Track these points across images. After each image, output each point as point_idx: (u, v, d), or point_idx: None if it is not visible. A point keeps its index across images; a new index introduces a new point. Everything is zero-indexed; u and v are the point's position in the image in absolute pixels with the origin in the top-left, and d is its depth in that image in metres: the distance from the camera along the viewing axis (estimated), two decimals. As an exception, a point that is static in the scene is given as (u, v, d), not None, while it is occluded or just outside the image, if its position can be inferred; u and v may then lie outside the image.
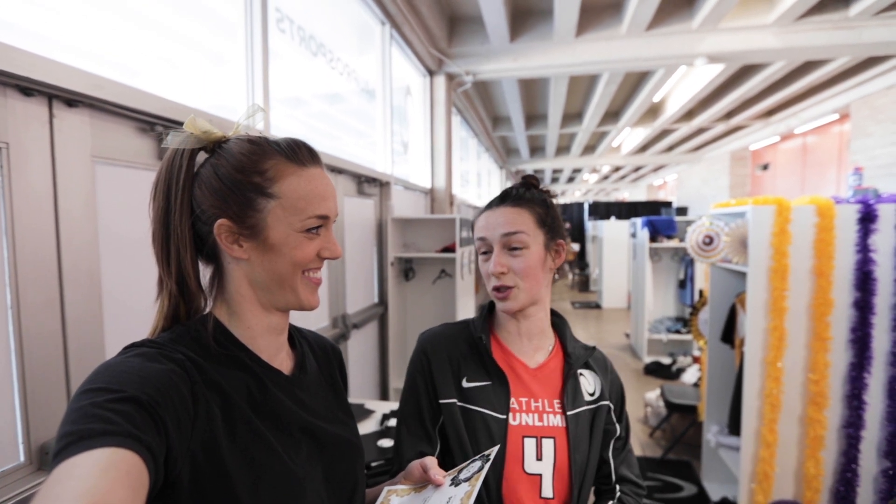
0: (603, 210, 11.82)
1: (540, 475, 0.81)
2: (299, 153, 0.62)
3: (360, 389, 2.98)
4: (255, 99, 1.88)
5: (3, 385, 0.98)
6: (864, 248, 1.96)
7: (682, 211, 9.39)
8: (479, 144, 8.27)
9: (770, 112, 7.44)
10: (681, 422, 3.47)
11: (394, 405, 2.23)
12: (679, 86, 6.40)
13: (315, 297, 0.64)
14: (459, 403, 0.84)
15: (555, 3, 3.46)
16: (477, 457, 0.69)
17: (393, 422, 1.97)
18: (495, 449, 0.69)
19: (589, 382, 0.90)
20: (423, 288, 3.60)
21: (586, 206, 12.43)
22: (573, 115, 7.64)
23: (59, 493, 0.35)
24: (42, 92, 1.03)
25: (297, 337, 0.73)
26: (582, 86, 6.32)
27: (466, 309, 3.64)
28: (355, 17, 3.05)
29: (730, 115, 7.48)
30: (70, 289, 1.09)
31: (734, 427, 2.39)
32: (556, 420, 0.84)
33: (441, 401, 0.85)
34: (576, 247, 11.04)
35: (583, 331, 6.85)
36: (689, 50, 3.91)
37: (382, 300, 3.30)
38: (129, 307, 1.26)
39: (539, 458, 0.82)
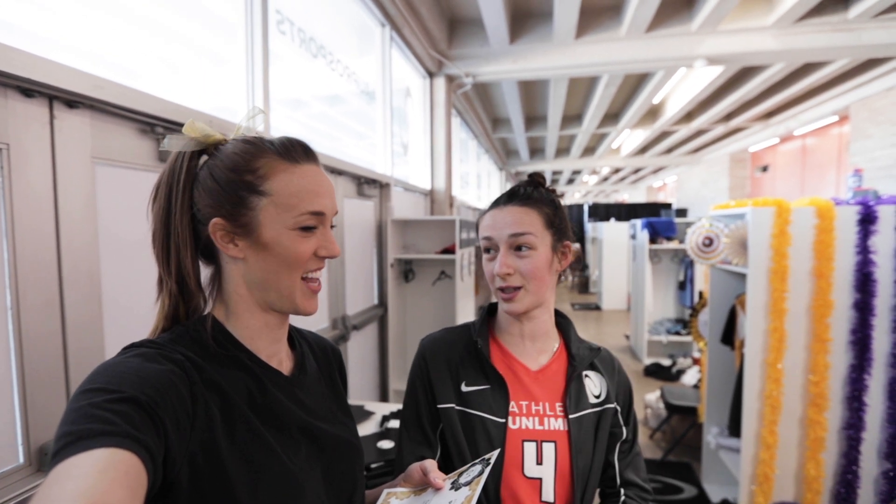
0: (603, 212, 11.82)
1: (540, 479, 0.80)
2: (292, 150, 0.62)
3: (359, 391, 2.97)
4: (255, 100, 1.88)
5: (2, 386, 0.98)
6: (863, 250, 1.96)
7: (682, 212, 9.39)
8: (478, 146, 8.28)
9: (769, 114, 7.45)
10: (681, 423, 3.47)
11: (394, 406, 2.23)
12: (678, 88, 6.41)
13: (312, 303, 0.63)
14: (458, 408, 0.84)
15: (554, 5, 3.47)
16: (477, 461, 0.69)
17: (393, 423, 1.97)
18: (495, 453, 0.68)
19: (594, 384, 0.88)
20: (422, 289, 3.60)
21: (586, 208, 12.43)
22: (573, 117, 7.65)
23: (58, 494, 0.35)
24: (43, 93, 1.03)
25: (296, 338, 0.72)
26: (581, 87, 6.32)
27: (466, 310, 3.64)
28: (355, 18, 3.06)
29: (729, 116, 7.49)
30: (70, 290, 1.09)
31: (734, 429, 2.39)
32: (558, 424, 0.82)
33: (439, 405, 0.85)
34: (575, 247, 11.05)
35: (583, 332, 6.77)
36: (689, 52, 3.92)
37: (382, 301, 3.29)
38: (129, 308, 1.26)
39: (539, 462, 0.80)
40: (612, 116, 7.56)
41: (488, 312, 0.95)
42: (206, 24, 1.75)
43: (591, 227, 10.76)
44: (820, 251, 2.01)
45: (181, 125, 1.46)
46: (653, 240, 5.37)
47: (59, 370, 1.07)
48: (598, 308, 8.96)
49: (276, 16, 2.06)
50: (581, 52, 4.06)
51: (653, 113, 7.52)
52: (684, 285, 5.38)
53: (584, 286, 11.14)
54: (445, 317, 3.49)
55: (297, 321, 0.74)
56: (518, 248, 0.82)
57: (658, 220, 5.47)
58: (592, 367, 0.90)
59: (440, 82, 4.35)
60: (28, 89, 0.99)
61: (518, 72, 4.30)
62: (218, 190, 0.60)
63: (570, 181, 17.22)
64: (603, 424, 0.85)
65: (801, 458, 2.08)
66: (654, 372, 4.95)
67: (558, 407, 0.84)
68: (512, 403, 0.83)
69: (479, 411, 0.82)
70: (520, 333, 0.88)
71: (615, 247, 8.49)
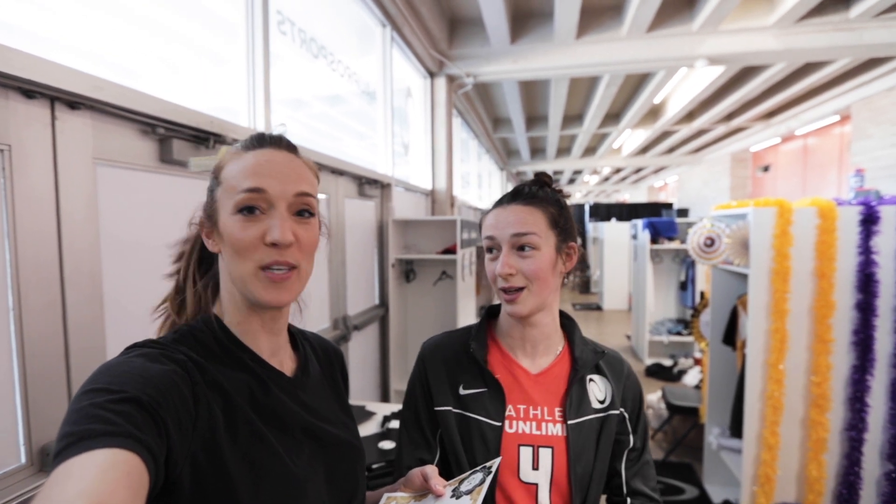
0: (604, 212, 11.80)
1: (536, 484, 0.79)
2: (249, 140, 0.62)
3: (360, 391, 2.97)
4: (256, 101, 1.88)
5: (4, 387, 0.98)
6: (866, 250, 1.95)
7: (683, 212, 9.38)
8: (479, 146, 8.28)
9: (771, 114, 7.44)
10: (682, 424, 3.46)
11: (395, 407, 2.23)
12: (680, 87, 6.40)
13: (273, 293, 0.57)
14: (456, 410, 0.83)
15: (555, 5, 3.47)
16: (478, 468, 0.68)
17: (394, 424, 1.97)
18: (497, 461, 0.68)
19: (599, 389, 0.86)
20: (423, 289, 3.60)
21: (587, 208, 12.42)
22: (574, 117, 7.64)
23: (60, 494, 0.35)
24: (44, 94, 1.03)
25: (299, 339, 0.72)
26: (582, 87, 6.32)
27: (467, 310, 3.63)
28: (356, 19, 3.06)
29: (730, 116, 7.48)
30: (71, 291, 1.09)
31: (736, 429, 2.38)
32: (556, 429, 0.81)
33: (436, 408, 0.84)
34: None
35: (584, 333, 6.82)
36: (690, 52, 3.91)
37: (383, 302, 3.29)
38: (131, 309, 1.26)
39: (535, 467, 0.79)
40: (613, 116, 7.55)
41: (491, 314, 0.94)
42: (206, 25, 1.75)
43: (592, 227, 10.75)
44: (822, 252, 2.00)
45: (182, 126, 1.47)
46: (654, 240, 5.36)
47: (61, 371, 1.08)
48: (599, 308, 8.95)
49: (276, 16, 2.06)
50: (582, 52, 4.06)
51: (654, 113, 7.51)
52: (685, 285, 5.38)
53: (585, 286, 11.13)
54: (446, 317, 3.49)
55: (297, 321, 0.74)
56: (521, 248, 0.80)
57: (659, 220, 5.47)
58: (598, 371, 0.87)
59: (441, 82, 4.35)
60: (29, 90, 1.00)
61: (519, 72, 4.30)
62: (207, 192, 0.63)
63: (571, 181, 17.21)
64: (606, 431, 0.83)
65: (803, 459, 2.07)
66: (656, 372, 4.94)
67: (557, 412, 0.82)
68: (509, 407, 0.82)
69: (476, 414, 0.82)
70: (521, 336, 0.86)
71: (616, 247, 8.48)
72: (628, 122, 7.22)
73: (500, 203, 0.85)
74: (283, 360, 0.66)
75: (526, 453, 0.80)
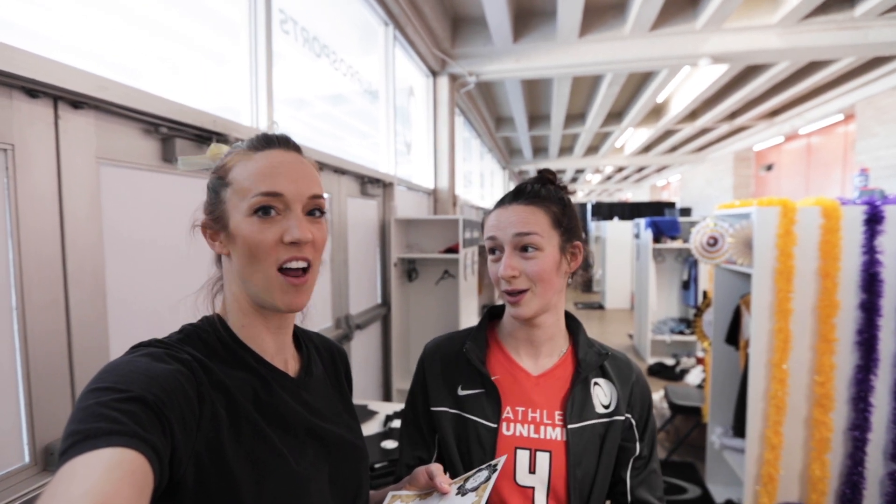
0: (606, 211, 11.78)
1: (532, 488, 0.77)
2: (256, 140, 0.62)
3: (363, 390, 2.98)
4: (259, 100, 1.88)
5: (8, 386, 0.98)
6: (870, 250, 1.94)
7: (686, 212, 9.37)
8: (482, 145, 8.27)
9: (774, 112, 7.41)
10: (685, 423, 3.46)
11: (397, 406, 2.23)
12: (683, 86, 6.38)
13: (293, 298, 0.59)
14: (453, 411, 0.82)
15: (558, 4, 3.46)
16: (483, 466, 0.69)
17: (396, 423, 1.97)
18: (502, 459, 0.67)
19: (604, 393, 0.83)
20: (426, 289, 3.60)
21: (589, 207, 12.40)
22: (576, 116, 7.63)
23: (65, 492, 0.35)
24: (47, 93, 1.03)
25: (303, 339, 0.72)
26: (585, 86, 6.31)
27: (469, 310, 3.63)
28: (358, 18, 3.06)
29: (734, 115, 7.45)
30: (75, 290, 1.09)
31: (739, 429, 2.38)
32: (555, 433, 0.78)
33: (432, 408, 0.84)
34: None
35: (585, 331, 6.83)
36: (693, 50, 3.90)
37: (385, 301, 3.29)
38: (134, 308, 1.26)
39: (532, 471, 0.77)
40: (616, 115, 7.53)
41: (493, 315, 0.92)
42: (209, 24, 1.75)
43: (594, 226, 10.74)
44: (826, 251, 1.99)
45: (185, 125, 1.47)
46: (656, 239, 5.35)
47: (65, 369, 1.08)
48: (601, 307, 8.94)
49: (279, 15, 2.06)
50: (585, 50, 4.05)
51: (657, 111, 7.49)
52: (688, 285, 5.37)
53: (587, 285, 11.12)
54: (449, 316, 3.49)
55: (300, 321, 0.74)
56: (523, 248, 0.78)
57: (662, 219, 5.45)
58: (604, 375, 0.85)
59: (443, 81, 4.34)
60: (32, 90, 1.00)
61: (521, 71, 4.29)
62: (207, 192, 0.63)
63: (574, 180, 17.18)
64: (611, 437, 0.80)
65: (806, 458, 2.07)
66: (658, 371, 4.93)
67: (557, 415, 0.80)
68: (507, 409, 0.80)
69: (472, 415, 0.80)
70: (525, 338, 0.85)
71: (618, 246, 8.47)
72: (631, 121, 7.20)
73: (502, 203, 0.83)
74: (287, 360, 0.66)
75: (523, 456, 0.78)
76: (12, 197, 0.97)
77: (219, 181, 0.61)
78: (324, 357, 0.75)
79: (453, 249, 3.39)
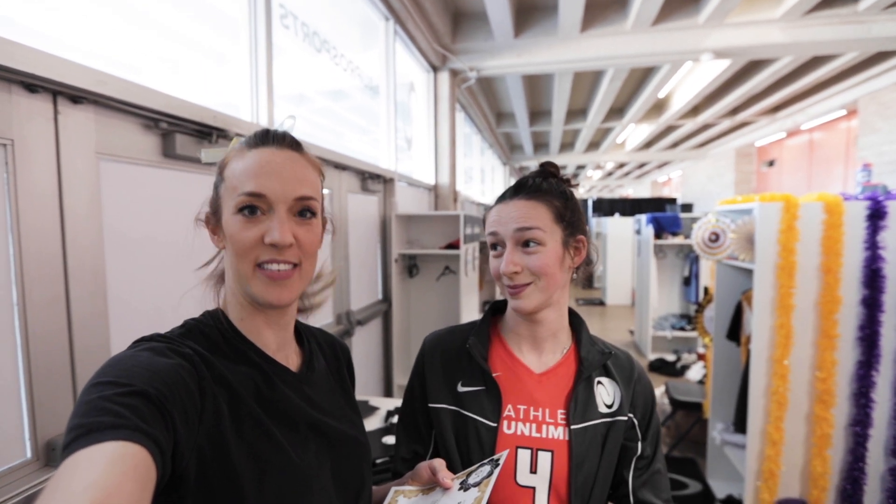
0: (607, 207, 11.76)
1: (533, 488, 0.75)
2: (253, 137, 0.62)
3: (364, 386, 2.98)
4: (259, 96, 1.88)
5: (9, 382, 0.98)
6: (872, 245, 1.94)
7: (687, 207, 9.34)
8: (482, 141, 8.25)
9: (776, 108, 7.38)
10: (685, 419, 3.46)
11: (398, 402, 2.24)
12: (684, 81, 6.36)
13: (272, 292, 0.58)
14: (452, 408, 0.80)
15: (560, -1, 3.44)
16: (486, 461, 0.68)
17: (397, 419, 1.97)
18: (505, 454, 0.67)
19: (607, 393, 0.81)
20: (426, 285, 3.60)
21: (590, 203, 12.39)
22: (577, 112, 7.60)
23: (68, 486, 0.35)
24: (47, 88, 1.03)
25: (305, 334, 0.72)
26: (586, 82, 6.28)
27: (470, 306, 3.63)
28: (359, 12, 3.04)
29: (735, 111, 7.42)
30: (75, 286, 1.09)
31: (740, 425, 2.38)
32: (558, 433, 0.77)
33: (430, 404, 0.82)
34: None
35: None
36: (695, 45, 3.88)
37: (386, 297, 3.29)
38: (134, 304, 1.26)
39: (533, 471, 0.76)
40: (617, 111, 7.51)
41: (496, 310, 0.91)
42: (209, 20, 1.74)
43: (595, 223, 10.73)
44: (828, 247, 1.99)
45: (185, 120, 1.47)
46: (658, 235, 5.34)
47: (66, 366, 1.08)
48: (602, 303, 8.94)
49: (279, 10, 2.05)
50: (586, 45, 4.03)
51: (658, 107, 7.46)
52: (689, 281, 5.36)
53: (588, 281, 11.10)
54: (449, 312, 3.49)
55: (304, 317, 0.74)
56: (525, 244, 0.76)
57: (663, 215, 5.44)
58: (607, 374, 0.83)
59: (444, 77, 4.33)
60: (32, 84, 0.99)
61: (522, 66, 4.28)
62: (213, 187, 0.63)
63: (575, 176, 17.14)
64: (613, 437, 0.79)
65: (808, 454, 2.07)
66: (659, 367, 4.94)
67: (560, 414, 0.78)
68: (508, 407, 0.78)
69: (472, 413, 0.79)
70: (527, 334, 0.83)
71: (620, 242, 8.46)
72: (632, 117, 7.17)
73: (503, 198, 0.81)
74: (289, 356, 0.66)
75: (524, 456, 0.76)
76: (12, 193, 0.97)
77: (218, 176, 0.62)
78: (326, 352, 0.74)
79: (454, 245, 3.39)
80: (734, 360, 2.68)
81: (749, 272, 2.40)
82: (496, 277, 0.80)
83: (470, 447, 0.77)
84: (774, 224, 2.05)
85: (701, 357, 4.58)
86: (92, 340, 1.13)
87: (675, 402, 3.29)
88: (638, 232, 5.98)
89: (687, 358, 5.04)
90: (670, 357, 5.17)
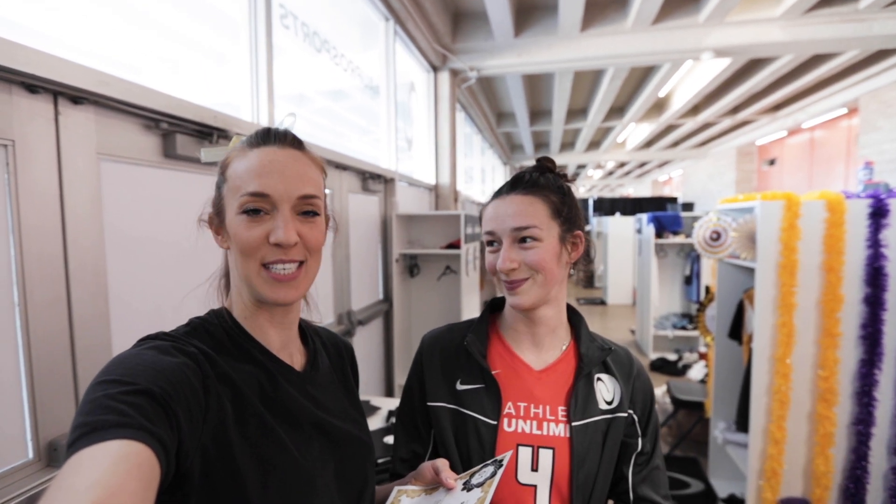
0: (608, 206, 11.76)
1: (535, 486, 0.75)
2: (254, 136, 0.62)
3: (365, 386, 2.98)
4: (259, 96, 1.88)
5: (11, 382, 0.98)
6: (875, 244, 1.93)
7: (688, 206, 9.34)
8: (483, 140, 8.25)
9: (777, 107, 7.37)
10: (687, 418, 3.46)
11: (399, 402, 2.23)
12: (685, 80, 6.35)
13: (277, 292, 0.58)
14: (451, 406, 0.80)
15: (560, -2, 3.44)
16: (489, 461, 0.68)
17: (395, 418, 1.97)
18: (508, 454, 0.67)
19: (607, 389, 0.81)
20: (427, 284, 3.59)
21: (591, 203, 12.38)
22: (578, 111, 7.60)
23: (72, 484, 0.35)
24: (47, 89, 1.02)
25: (309, 334, 0.72)
26: (587, 81, 6.28)
27: (471, 305, 3.63)
28: (359, 13, 3.04)
29: (736, 109, 7.42)
30: (76, 286, 1.09)
31: (742, 424, 2.37)
32: (559, 430, 0.76)
33: (429, 403, 0.82)
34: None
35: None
36: (696, 44, 3.87)
37: (387, 297, 3.29)
38: (135, 304, 1.26)
39: (535, 468, 0.75)
40: (618, 110, 7.50)
41: (494, 308, 0.90)
42: (209, 20, 1.74)
43: (596, 222, 10.72)
44: (830, 245, 1.98)
45: (186, 121, 1.46)
46: (659, 234, 5.33)
47: (67, 366, 1.08)
48: (603, 303, 8.93)
49: (279, 10, 2.05)
50: (586, 45, 4.03)
51: (659, 106, 7.46)
52: (690, 280, 5.36)
53: (589, 280, 11.11)
54: (451, 312, 3.49)
55: (306, 316, 0.74)
56: (522, 240, 0.76)
57: (664, 214, 5.44)
58: (606, 370, 0.83)
59: (444, 76, 4.33)
60: (33, 85, 0.99)
61: (523, 65, 4.27)
62: (215, 187, 0.63)
63: (575, 175, 17.14)
64: (613, 434, 0.78)
65: (810, 453, 2.06)
66: (660, 367, 4.93)
67: (560, 411, 0.77)
68: (509, 405, 0.78)
69: (471, 411, 0.78)
70: (526, 330, 0.83)
71: (620, 241, 8.45)
72: (633, 116, 7.17)
73: (500, 193, 0.81)
74: (293, 354, 0.66)
75: (525, 454, 0.76)
76: (13, 193, 0.96)
77: (220, 176, 0.62)
78: (330, 352, 0.74)
79: (455, 245, 3.39)
80: (736, 359, 2.67)
81: (750, 271, 2.39)
82: (491, 273, 0.80)
83: (470, 446, 0.76)
84: (776, 222, 2.05)
85: (702, 356, 4.58)
86: (93, 340, 1.13)
87: (676, 402, 3.28)
88: (639, 231, 5.98)
89: (688, 357, 5.03)
90: (672, 356, 5.16)
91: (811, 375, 2.05)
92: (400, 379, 3.34)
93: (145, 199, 1.31)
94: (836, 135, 7.07)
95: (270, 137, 0.61)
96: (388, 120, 3.39)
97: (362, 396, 2.33)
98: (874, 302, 1.94)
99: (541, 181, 0.79)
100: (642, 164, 14.26)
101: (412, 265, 3.55)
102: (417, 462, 0.78)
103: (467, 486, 0.63)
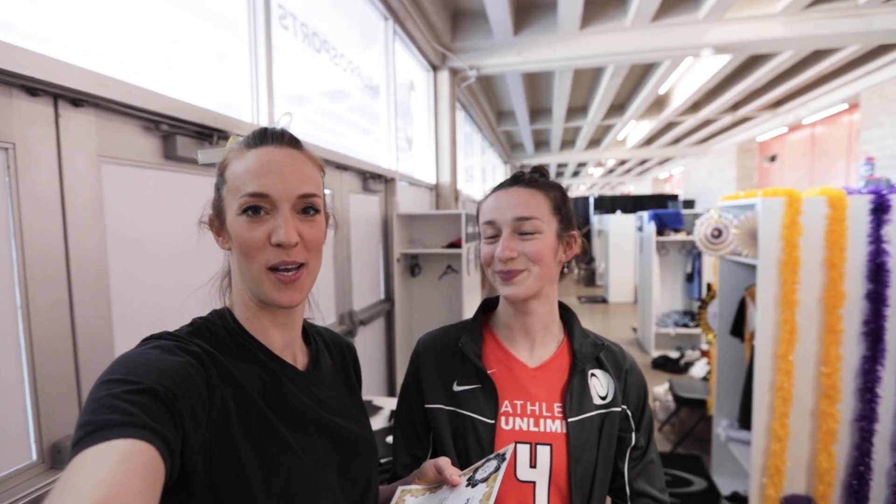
0: (608, 204, 11.75)
1: (533, 483, 0.76)
2: (252, 137, 0.62)
3: (367, 386, 2.98)
4: (259, 97, 1.88)
5: (14, 385, 0.98)
6: (876, 239, 1.93)
7: (689, 204, 9.33)
8: (483, 139, 8.24)
9: (778, 103, 7.36)
10: (690, 416, 3.45)
11: (402, 401, 2.23)
12: (685, 77, 6.34)
13: (284, 294, 0.58)
14: (449, 408, 0.80)
15: (559, -4, 3.43)
16: (492, 456, 0.68)
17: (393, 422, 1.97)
18: (511, 448, 0.67)
19: (601, 384, 0.82)
20: (429, 284, 3.60)
21: (591, 201, 12.37)
22: (578, 109, 7.59)
23: (77, 483, 0.36)
24: (47, 92, 1.03)
25: (311, 333, 0.72)
26: (586, 79, 6.27)
27: (473, 305, 3.63)
28: (358, 12, 3.04)
29: (736, 106, 7.40)
30: (79, 288, 1.09)
31: (745, 421, 2.37)
32: (555, 426, 0.77)
33: (427, 405, 0.82)
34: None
35: (590, 325, 6.79)
36: (696, 41, 3.87)
37: (389, 296, 3.29)
38: (137, 306, 1.26)
39: (533, 465, 0.76)
40: (618, 107, 7.49)
41: (487, 308, 0.91)
42: (208, 21, 1.74)
43: (597, 220, 10.71)
44: (832, 241, 1.98)
45: (186, 122, 1.47)
46: (660, 232, 5.33)
47: (70, 368, 1.08)
48: (604, 301, 8.93)
49: (278, 10, 2.05)
50: (586, 42, 4.02)
51: (659, 103, 7.45)
52: (692, 277, 5.35)
53: (590, 279, 11.10)
54: (452, 311, 3.49)
55: (308, 316, 0.74)
56: (522, 232, 0.77)
57: (665, 211, 5.43)
58: (600, 366, 0.84)
59: (444, 76, 4.32)
60: (33, 88, 0.99)
61: (522, 64, 4.27)
62: (214, 188, 0.63)
63: (576, 174, 17.13)
64: (608, 428, 0.79)
65: (813, 450, 2.06)
66: (662, 364, 4.93)
67: (556, 408, 0.78)
68: (505, 403, 0.79)
69: (469, 412, 0.79)
70: (520, 328, 0.83)
71: (622, 239, 8.44)
72: (633, 114, 7.16)
73: (501, 187, 0.82)
74: (296, 354, 0.67)
75: (523, 451, 0.76)
76: (14, 196, 0.97)
77: (219, 178, 0.62)
78: (333, 352, 0.75)
79: (456, 244, 3.39)
80: (738, 357, 2.67)
81: (752, 268, 2.39)
82: (487, 264, 0.80)
83: (468, 446, 0.77)
84: (777, 219, 2.05)
85: (704, 354, 4.57)
86: (96, 342, 1.13)
87: (679, 399, 3.28)
88: (640, 229, 5.97)
89: (690, 355, 5.03)
90: (674, 354, 5.16)
91: (814, 372, 2.04)
92: (402, 378, 3.34)
93: (146, 200, 1.31)
94: (837, 131, 7.06)
95: (268, 137, 0.61)
96: (388, 120, 3.39)
97: (365, 396, 2.34)
98: (876, 298, 1.94)
99: (541, 180, 0.82)
100: (643, 162, 14.24)
101: (413, 265, 3.55)
102: (418, 466, 0.78)
103: (471, 482, 0.63)
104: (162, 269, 1.33)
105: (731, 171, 9.99)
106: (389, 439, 1.80)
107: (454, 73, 4.39)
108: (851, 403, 2.00)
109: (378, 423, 1.99)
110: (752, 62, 5.51)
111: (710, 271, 4.66)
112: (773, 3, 3.67)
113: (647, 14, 3.69)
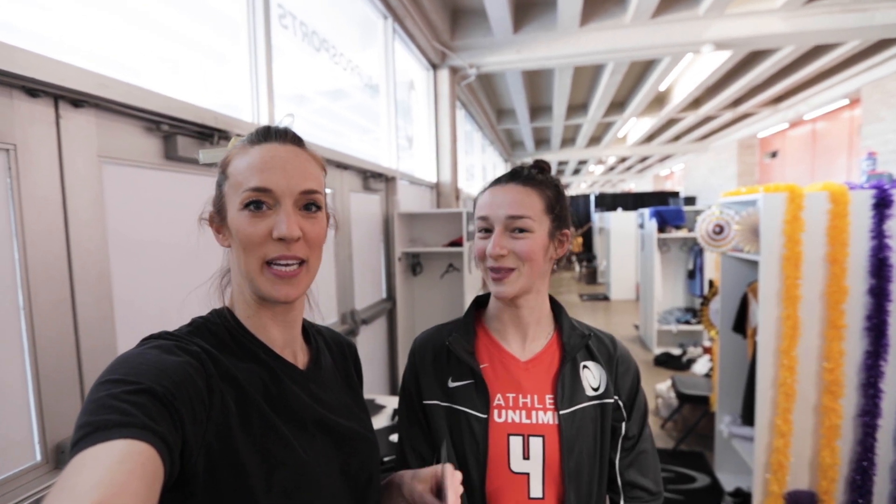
0: (609, 201, 11.74)
1: (527, 474, 0.77)
2: (255, 134, 0.62)
3: (369, 385, 2.98)
4: (259, 96, 1.88)
5: (18, 385, 0.98)
6: (879, 234, 1.92)
7: (690, 200, 9.32)
8: (483, 138, 8.24)
9: (778, 99, 7.34)
10: (692, 413, 3.45)
11: (404, 400, 2.24)
12: (685, 74, 6.32)
13: (280, 289, 0.58)
14: (445, 404, 0.81)
15: (558, -7, 3.42)
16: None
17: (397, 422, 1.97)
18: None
19: (593, 376, 0.83)
20: (430, 282, 3.60)
21: (592, 198, 12.36)
22: (578, 106, 7.58)
23: (75, 484, 0.35)
24: (48, 93, 1.03)
25: (312, 332, 0.72)
26: (587, 76, 6.26)
27: (474, 303, 3.63)
28: (357, 11, 3.04)
29: (737, 102, 7.39)
30: (81, 289, 1.09)
31: (747, 417, 2.37)
32: (547, 417, 0.78)
33: (424, 402, 0.83)
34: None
35: (591, 323, 6.79)
36: (696, 37, 3.86)
37: (390, 295, 3.30)
38: (139, 306, 1.27)
39: (526, 457, 0.77)
40: (618, 105, 7.48)
41: (479, 304, 0.92)
42: (208, 21, 1.74)
43: (598, 217, 10.70)
44: (834, 236, 1.97)
45: (187, 122, 1.47)
46: (661, 229, 5.32)
47: (73, 369, 1.08)
48: (606, 298, 8.92)
49: (277, 10, 2.05)
50: (586, 39, 4.01)
51: (659, 100, 7.43)
52: (693, 274, 5.34)
53: (592, 277, 11.10)
54: (454, 310, 3.49)
55: (308, 315, 0.74)
56: (513, 230, 0.78)
57: (666, 208, 5.42)
58: (591, 357, 0.85)
59: (444, 74, 4.32)
60: (33, 89, 0.99)
61: (522, 61, 4.26)
62: (216, 186, 0.63)
63: (576, 171, 17.11)
64: (601, 420, 0.80)
65: (816, 445, 2.06)
66: (665, 361, 4.92)
67: (548, 399, 0.79)
68: (497, 396, 0.80)
69: (463, 407, 0.80)
70: (510, 322, 0.84)
71: (623, 236, 8.43)
72: (633, 111, 7.15)
73: (498, 182, 0.82)
74: (296, 353, 0.67)
75: (516, 443, 0.78)
76: (16, 197, 0.97)
77: (221, 175, 0.62)
78: (333, 351, 0.75)
79: (457, 243, 3.39)
80: (740, 353, 2.67)
81: (754, 264, 2.39)
82: (480, 258, 0.81)
83: (464, 440, 0.78)
84: (779, 215, 2.04)
85: (707, 350, 4.57)
86: (98, 342, 1.13)
87: (681, 396, 3.28)
88: (641, 226, 5.96)
89: (693, 351, 5.03)
90: (676, 351, 5.15)
91: (816, 368, 2.04)
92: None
93: (147, 200, 1.31)
94: (839, 126, 7.04)
95: (271, 134, 0.62)
96: (389, 119, 3.38)
97: (367, 395, 2.34)
98: (879, 293, 1.93)
99: (538, 177, 0.82)
100: (643, 159, 14.22)
101: (415, 263, 3.55)
102: (422, 464, 0.78)
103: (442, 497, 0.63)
104: (164, 269, 1.33)
105: (731, 167, 9.98)
106: (392, 437, 1.80)
107: (454, 71, 4.39)
108: (854, 399, 2.00)
109: (380, 421, 1.99)
110: (753, 58, 5.50)
111: (711, 268, 4.65)
112: (774, -2, 3.66)
113: (647, 10, 3.68)
